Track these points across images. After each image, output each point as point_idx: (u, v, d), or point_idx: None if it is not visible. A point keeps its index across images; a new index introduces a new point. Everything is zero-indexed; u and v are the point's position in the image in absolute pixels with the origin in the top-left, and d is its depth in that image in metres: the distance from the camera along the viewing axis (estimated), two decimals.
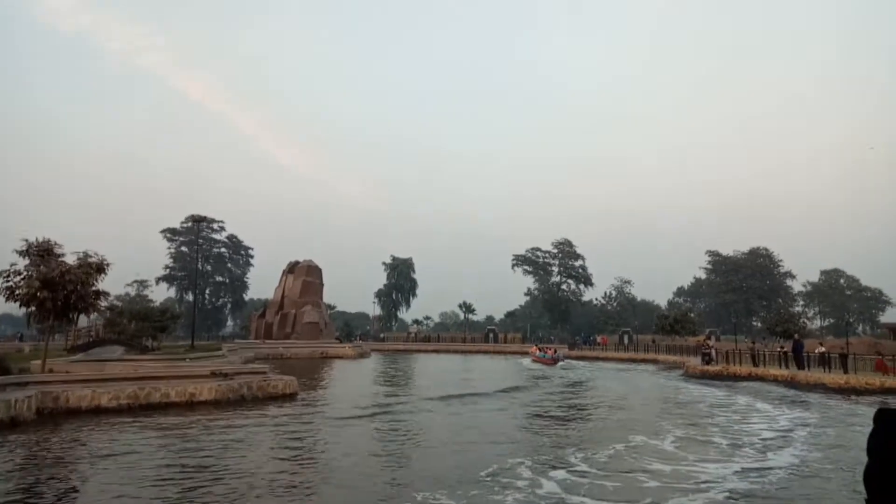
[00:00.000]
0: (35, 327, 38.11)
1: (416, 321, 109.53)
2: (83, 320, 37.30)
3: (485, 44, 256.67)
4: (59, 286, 21.25)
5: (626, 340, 73.24)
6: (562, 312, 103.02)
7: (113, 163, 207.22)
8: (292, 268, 70.27)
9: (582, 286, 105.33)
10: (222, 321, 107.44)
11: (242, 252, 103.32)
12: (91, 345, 37.80)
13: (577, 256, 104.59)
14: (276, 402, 21.76)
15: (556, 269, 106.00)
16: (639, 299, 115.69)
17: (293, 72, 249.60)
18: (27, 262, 22.11)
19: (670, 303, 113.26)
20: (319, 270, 70.93)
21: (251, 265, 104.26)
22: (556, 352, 53.66)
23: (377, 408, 21.32)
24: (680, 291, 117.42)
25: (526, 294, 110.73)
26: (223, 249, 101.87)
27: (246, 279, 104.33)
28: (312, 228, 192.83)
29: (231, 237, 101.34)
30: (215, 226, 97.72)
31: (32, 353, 35.97)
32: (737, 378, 33.44)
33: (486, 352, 71.54)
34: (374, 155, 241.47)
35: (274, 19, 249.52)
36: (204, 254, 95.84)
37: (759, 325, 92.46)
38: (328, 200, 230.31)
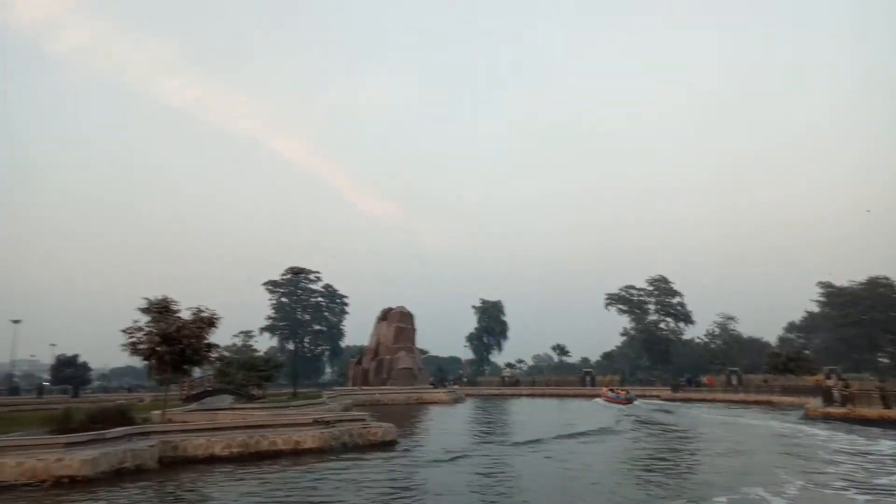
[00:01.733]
0: (154, 379, 40.95)
1: (508, 364, 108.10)
2: (196, 371, 39.60)
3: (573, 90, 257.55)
4: (175, 340, 22.84)
5: (734, 381, 68.77)
6: (661, 352, 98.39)
7: (217, 219, 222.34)
8: (385, 314, 71.77)
9: (682, 324, 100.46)
10: (321, 368, 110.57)
11: (338, 301, 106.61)
12: (203, 394, 39.94)
13: (675, 293, 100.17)
14: (376, 449, 22.09)
15: (652, 306, 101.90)
16: (745, 336, 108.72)
17: (377, 126, 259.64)
18: (148, 318, 23.92)
19: (781, 339, 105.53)
20: (411, 316, 72.01)
21: (346, 313, 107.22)
22: (627, 392, 56.03)
23: (477, 453, 21.17)
24: (791, 327, 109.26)
25: (622, 334, 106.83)
26: (320, 299, 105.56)
27: (342, 327, 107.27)
28: (403, 274, 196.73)
29: (327, 286, 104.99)
30: (312, 276, 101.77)
31: (152, 404, 38.52)
32: (866, 422, 30.50)
33: (582, 395, 69.34)
34: (461, 199, 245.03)
35: (357, 75, 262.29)
36: (302, 304, 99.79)
37: (887, 361, 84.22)
38: (416, 245, 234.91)
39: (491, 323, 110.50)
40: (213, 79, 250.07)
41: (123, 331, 23.20)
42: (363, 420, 24.84)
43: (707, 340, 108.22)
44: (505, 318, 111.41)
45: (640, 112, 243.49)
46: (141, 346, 23.21)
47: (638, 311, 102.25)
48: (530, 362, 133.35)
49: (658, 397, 61.94)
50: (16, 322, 64.27)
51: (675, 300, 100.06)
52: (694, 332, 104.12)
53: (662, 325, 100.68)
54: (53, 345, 73.61)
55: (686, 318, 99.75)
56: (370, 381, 65.82)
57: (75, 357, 68.28)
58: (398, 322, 69.94)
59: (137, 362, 31.14)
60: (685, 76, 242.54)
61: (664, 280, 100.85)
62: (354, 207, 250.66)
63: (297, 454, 20.64)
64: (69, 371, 66.52)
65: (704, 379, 72.41)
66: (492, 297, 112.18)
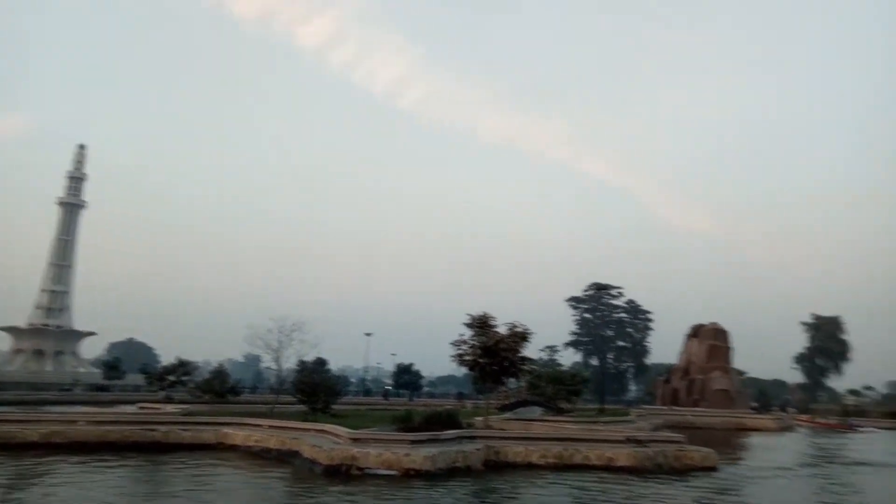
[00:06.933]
0: (475, 387, 45.14)
1: (852, 391, 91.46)
2: (510, 382, 42.45)
3: None
4: (495, 353, 25.01)
5: None
6: None
7: (525, 237, 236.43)
8: (696, 331, 67.40)
9: None
10: (626, 385, 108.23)
11: (641, 317, 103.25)
12: (517, 405, 42.53)
13: None
14: (694, 474, 20.86)
15: None
16: None
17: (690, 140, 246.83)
18: (472, 333, 26.64)
19: None
20: (726, 333, 66.23)
21: (650, 329, 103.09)
22: None
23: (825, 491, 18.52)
24: None
25: None
26: (623, 315, 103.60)
27: (646, 343, 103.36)
28: (714, 288, 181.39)
29: (629, 302, 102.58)
30: (614, 292, 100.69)
31: (473, 411, 42.41)
32: None
33: None
34: (777, 204, 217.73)
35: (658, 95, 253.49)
36: (605, 320, 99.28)
37: None
38: (731, 256, 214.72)
39: (826, 342, 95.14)
40: (526, 114, 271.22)
41: (452, 343, 26.27)
42: (679, 442, 23.67)
43: None
44: (845, 337, 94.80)
45: None
46: (466, 358, 26.00)
47: None
48: (883, 390, 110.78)
49: None
50: (368, 335, 77.56)
51: None
52: None
53: None
54: (394, 354, 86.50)
55: None
56: (680, 401, 62.34)
57: (411, 365, 78.86)
58: (711, 340, 65.03)
59: (459, 371, 34.60)
60: None
61: None
62: (663, 222, 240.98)
63: (609, 470, 20.64)
64: (406, 377, 77.10)
65: None
66: (827, 312, 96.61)
